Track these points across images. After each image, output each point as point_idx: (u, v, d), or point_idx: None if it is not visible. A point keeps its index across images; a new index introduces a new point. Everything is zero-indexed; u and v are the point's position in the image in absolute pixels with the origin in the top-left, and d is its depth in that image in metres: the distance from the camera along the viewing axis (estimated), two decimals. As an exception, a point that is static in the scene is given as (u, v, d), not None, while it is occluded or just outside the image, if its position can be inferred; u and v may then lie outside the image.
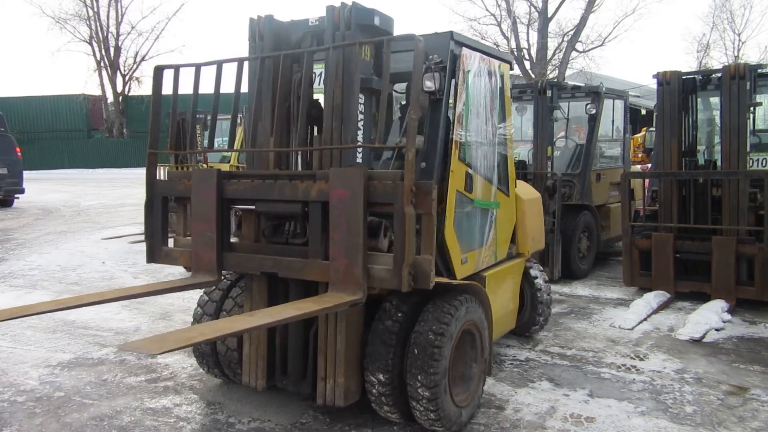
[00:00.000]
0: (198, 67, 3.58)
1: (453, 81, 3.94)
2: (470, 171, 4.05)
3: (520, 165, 8.12)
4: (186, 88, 3.67)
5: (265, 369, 3.69)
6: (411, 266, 3.07)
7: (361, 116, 3.52)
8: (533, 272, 5.25)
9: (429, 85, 3.76)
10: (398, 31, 3.64)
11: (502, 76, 4.51)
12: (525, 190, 5.19)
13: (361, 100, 3.52)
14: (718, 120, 7.10)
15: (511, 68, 4.71)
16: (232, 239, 3.77)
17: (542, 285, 5.23)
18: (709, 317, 5.75)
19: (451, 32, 3.96)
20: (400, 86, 4.81)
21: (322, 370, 3.48)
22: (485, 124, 4.26)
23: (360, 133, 3.52)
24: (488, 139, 4.29)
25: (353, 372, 3.48)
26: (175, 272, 6.91)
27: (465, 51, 3.98)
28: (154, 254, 3.78)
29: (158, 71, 3.71)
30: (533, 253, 5.26)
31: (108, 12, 38.59)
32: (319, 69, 3.76)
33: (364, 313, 3.55)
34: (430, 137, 3.89)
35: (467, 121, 4.00)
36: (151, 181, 3.75)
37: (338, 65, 3.39)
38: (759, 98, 7.12)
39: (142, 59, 38.84)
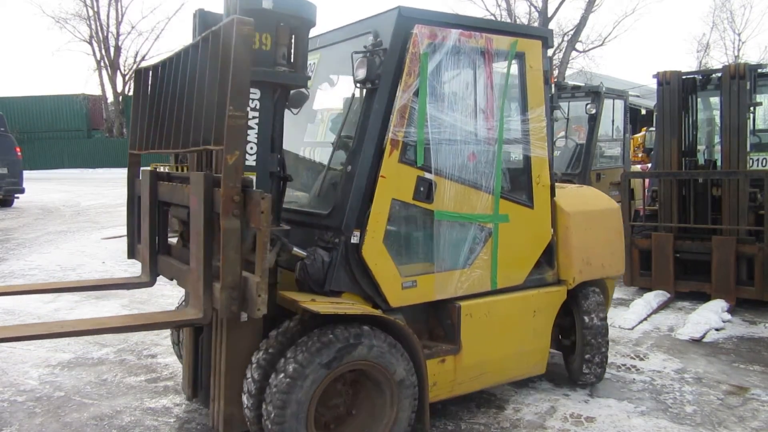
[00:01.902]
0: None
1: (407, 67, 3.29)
2: (429, 176, 3.36)
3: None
4: None
5: (189, 379, 3.52)
6: (231, 289, 2.66)
7: (255, 113, 3.04)
8: (586, 305, 4.12)
9: (360, 74, 3.25)
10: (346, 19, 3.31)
11: (521, 56, 3.71)
12: (579, 200, 4.26)
13: (256, 95, 3.02)
14: (718, 120, 7.10)
15: (549, 45, 3.89)
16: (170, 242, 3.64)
17: (593, 323, 4.11)
18: (709, 317, 5.75)
19: (399, 7, 3.30)
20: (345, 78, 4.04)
21: (212, 390, 3.18)
22: (472, 117, 3.56)
23: (254, 132, 3.05)
24: (480, 137, 3.58)
25: (237, 397, 3.05)
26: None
27: (419, 29, 3.27)
28: (133, 251, 3.84)
29: (138, 74, 3.67)
30: (600, 281, 4.30)
31: (108, 12, 38.62)
32: None
33: (260, 332, 3.13)
34: (359, 136, 3.32)
35: (422, 114, 3.32)
36: (131, 181, 3.75)
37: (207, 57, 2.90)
38: (759, 98, 7.14)
39: (143, 59, 38.83)
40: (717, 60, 35.85)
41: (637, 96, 16.10)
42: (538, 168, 3.84)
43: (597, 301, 4.16)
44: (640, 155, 15.84)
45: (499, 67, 3.63)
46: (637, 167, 11.89)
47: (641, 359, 4.92)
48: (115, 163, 35.04)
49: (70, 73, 67.49)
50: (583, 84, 9.92)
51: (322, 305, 2.95)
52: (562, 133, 9.43)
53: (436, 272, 3.46)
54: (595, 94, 8.31)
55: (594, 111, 8.19)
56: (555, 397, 4.13)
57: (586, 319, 4.09)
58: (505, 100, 3.66)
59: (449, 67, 3.44)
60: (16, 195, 15.91)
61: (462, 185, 3.51)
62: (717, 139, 7.42)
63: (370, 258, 3.22)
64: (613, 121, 9.28)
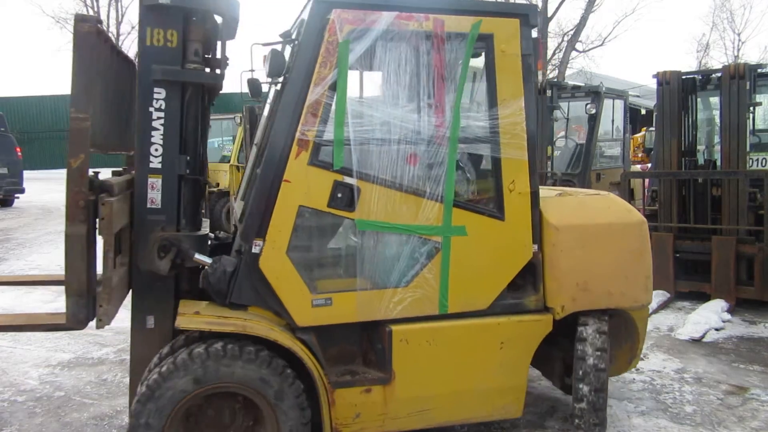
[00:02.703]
0: None
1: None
2: (350, 180, 2.93)
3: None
4: None
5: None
6: (78, 296, 2.65)
7: (160, 114, 2.91)
8: (581, 339, 3.32)
9: (266, 69, 2.99)
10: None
11: (488, 39, 3.08)
12: (577, 212, 3.48)
13: (161, 95, 2.90)
14: (717, 120, 7.10)
15: (531, 24, 3.20)
16: None
17: (586, 364, 3.28)
18: (709, 317, 5.75)
19: None
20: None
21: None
22: (413, 113, 3.05)
23: (159, 133, 2.92)
24: (425, 136, 3.05)
25: None
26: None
27: (337, 14, 2.88)
28: None
29: None
30: (622, 312, 3.49)
31: (108, 12, 38.49)
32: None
33: (167, 339, 3.03)
34: (266, 136, 3.09)
35: (341, 111, 2.91)
36: None
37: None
38: (759, 98, 7.14)
39: (142, 59, 38.79)
40: (717, 60, 35.85)
41: (637, 96, 16.10)
42: (511, 172, 3.15)
43: (595, 332, 3.30)
44: (640, 155, 15.86)
45: (448, 53, 3.06)
46: (637, 167, 11.92)
47: (641, 359, 4.92)
48: (115, 163, 35.02)
49: (70, 73, 67.39)
50: (583, 84, 9.92)
51: (187, 318, 2.80)
52: (562, 133, 9.44)
53: (359, 290, 2.99)
54: (595, 94, 8.31)
55: (594, 111, 8.20)
56: (555, 397, 4.13)
57: (580, 354, 3.31)
58: (464, 92, 3.09)
59: (381, 56, 2.96)
60: (16, 195, 15.92)
61: (398, 192, 2.99)
62: (717, 139, 7.42)
63: (270, 271, 2.88)
64: (613, 121, 9.29)
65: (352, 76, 3.00)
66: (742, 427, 3.74)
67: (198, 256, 2.96)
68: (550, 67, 26.50)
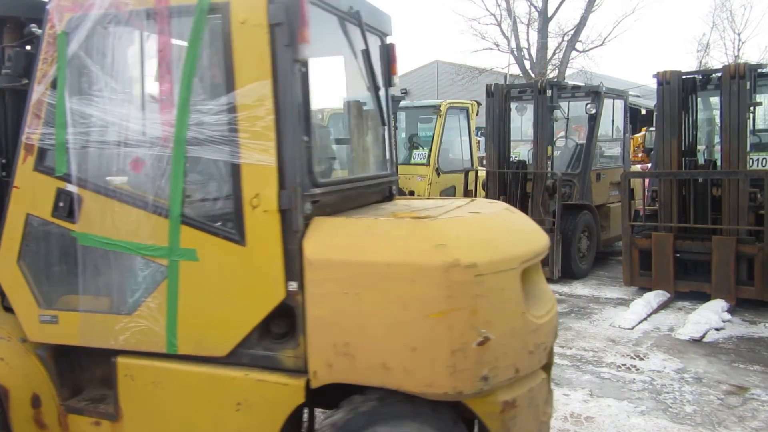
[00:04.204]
0: None
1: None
2: (71, 188, 2.57)
3: (521, 165, 8.15)
4: None
5: None
6: None
7: None
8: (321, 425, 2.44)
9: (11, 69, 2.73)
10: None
11: (222, 9, 2.38)
12: (360, 241, 2.37)
13: None
14: (718, 120, 7.11)
15: None
16: None
17: None
18: (709, 317, 5.75)
19: None
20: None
21: None
22: (137, 109, 2.63)
23: None
24: (149, 137, 2.53)
25: None
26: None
27: (55, 2, 2.56)
28: None
29: None
30: (383, 394, 2.35)
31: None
32: None
33: None
34: (13, 140, 2.79)
35: (61, 110, 2.57)
36: None
37: None
38: (759, 98, 7.14)
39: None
40: (717, 60, 35.78)
41: (637, 96, 16.10)
42: (254, 183, 2.38)
43: (336, 426, 2.36)
44: (640, 155, 15.86)
45: (159, 36, 2.50)
46: (637, 167, 11.91)
47: (641, 359, 4.92)
48: None
49: (70, 72, 67.24)
50: (583, 84, 9.92)
51: None
52: (562, 133, 9.44)
53: (82, 312, 2.62)
54: (595, 94, 8.31)
55: (594, 111, 8.19)
56: (555, 397, 4.13)
57: None
58: (195, 80, 2.45)
59: (101, 44, 2.53)
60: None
61: (120, 202, 2.56)
62: (717, 139, 7.42)
63: (4, 279, 2.71)
64: (613, 121, 9.29)
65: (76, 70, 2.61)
66: (742, 427, 3.74)
67: None
68: (550, 67, 26.49)
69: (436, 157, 9.47)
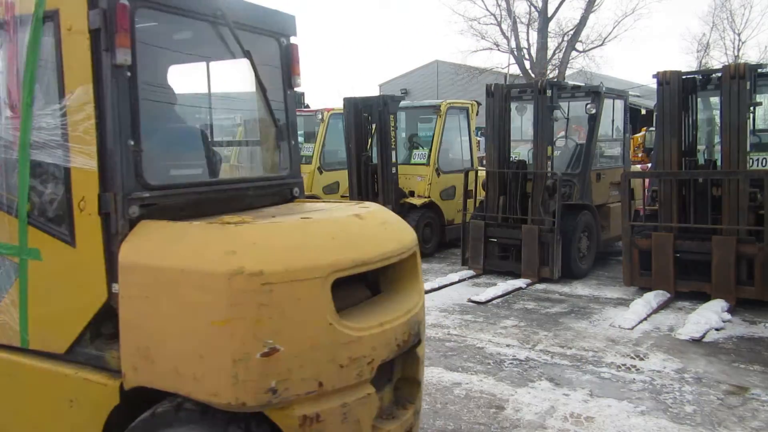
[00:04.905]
0: None
1: None
2: None
3: (521, 165, 8.15)
4: None
5: None
6: None
7: None
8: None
9: None
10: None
11: (54, 17, 2.46)
12: (167, 246, 2.35)
13: None
14: (718, 120, 7.11)
15: None
16: None
17: None
18: (709, 317, 5.75)
19: None
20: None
21: None
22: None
23: None
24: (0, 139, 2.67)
25: None
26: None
27: None
28: None
29: None
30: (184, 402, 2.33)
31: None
32: None
33: None
34: None
35: None
36: None
37: None
38: (759, 98, 7.15)
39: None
40: (717, 60, 35.81)
41: (637, 96, 16.12)
42: (81, 186, 2.44)
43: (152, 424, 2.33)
44: (640, 155, 15.89)
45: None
46: (637, 167, 11.93)
47: (641, 359, 4.92)
48: None
49: (70, 73, 67.24)
50: (583, 84, 9.92)
51: None
52: (562, 133, 9.45)
53: None
54: (595, 94, 8.31)
55: (594, 111, 8.19)
56: (555, 397, 4.13)
57: None
58: (36, 84, 2.56)
59: None
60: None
61: None
62: (717, 139, 7.43)
63: None
64: (613, 121, 9.29)
65: None
66: (742, 427, 3.74)
67: None
68: (550, 67, 26.50)
69: (436, 157, 9.51)
